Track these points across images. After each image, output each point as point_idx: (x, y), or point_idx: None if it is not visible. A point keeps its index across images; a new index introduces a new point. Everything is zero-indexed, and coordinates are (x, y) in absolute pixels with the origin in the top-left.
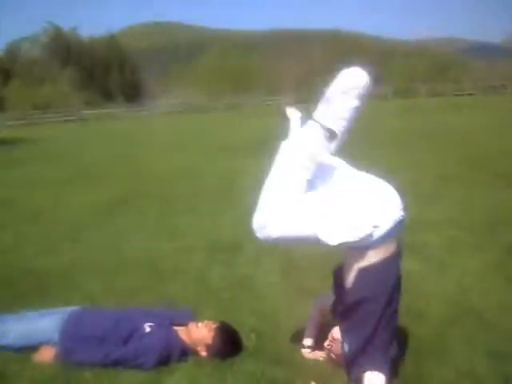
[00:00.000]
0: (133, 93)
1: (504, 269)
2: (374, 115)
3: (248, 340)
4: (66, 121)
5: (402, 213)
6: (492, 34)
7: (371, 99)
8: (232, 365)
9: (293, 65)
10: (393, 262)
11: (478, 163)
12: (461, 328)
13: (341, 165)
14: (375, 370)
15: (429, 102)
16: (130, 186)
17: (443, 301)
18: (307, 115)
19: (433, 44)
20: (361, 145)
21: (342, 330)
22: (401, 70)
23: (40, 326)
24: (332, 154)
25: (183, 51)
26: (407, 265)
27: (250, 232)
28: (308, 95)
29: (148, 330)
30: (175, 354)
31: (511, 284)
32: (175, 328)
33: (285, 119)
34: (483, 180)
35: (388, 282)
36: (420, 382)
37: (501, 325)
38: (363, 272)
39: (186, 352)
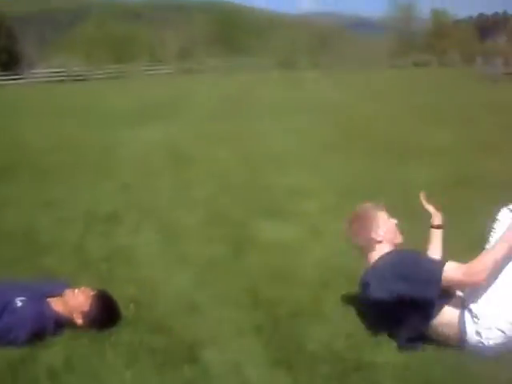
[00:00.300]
0: (9, 60)
1: None
2: (257, 87)
3: (127, 310)
4: None
5: None
6: (372, 10)
7: (253, 71)
8: (110, 335)
9: (175, 34)
10: None
11: (357, 132)
12: (336, 291)
13: None
14: None
15: (310, 74)
16: (6, 157)
17: (319, 265)
18: None
19: (315, 18)
20: (244, 115)
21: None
22: (283, 42)
23: None
24: None
25: (62, 18)
26: (285, 231)
27: (128, 202)
28: (190, 65)
29: (19, 304)
30: (49, 326)
31: None
32: (50, 299)
33: None
34: (362, 148)
35: None
36: (296, 344)
37: None
38: None
39: (61, 323)
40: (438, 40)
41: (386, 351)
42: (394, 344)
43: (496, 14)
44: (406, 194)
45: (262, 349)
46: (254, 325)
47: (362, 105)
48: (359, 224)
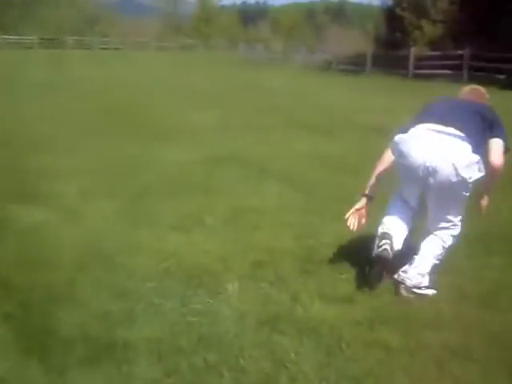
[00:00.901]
0: None
1: (130, 214)
2: (19, 65)
3: None
4: None
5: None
6: None
7: (16, 49)
8: None
9: None
10: None
11: (117, 114)
12: (91, 272)
13: None
14: None
15: (75, 53)
16: None
17: (75, 248)
18: None
19: None
20: (2, 95)
21: None
22: (48, 19)
23: None
24: None
25: None
26: (40, 215)
27: None
28: None
29: None
30: None
31: (136, 227)
32: None
33: None
34: (120, 131)
35: None
36: (48, 330)
37: (127, 265)
38: None
39: None
40: (204, 25)
41: (139, 328)
42: (148, 320)
43: (257, 3)
44: (162, 172)
45: (12, 339)
46: (3, 314)
47: (125, 86)
48: (478, 94)
